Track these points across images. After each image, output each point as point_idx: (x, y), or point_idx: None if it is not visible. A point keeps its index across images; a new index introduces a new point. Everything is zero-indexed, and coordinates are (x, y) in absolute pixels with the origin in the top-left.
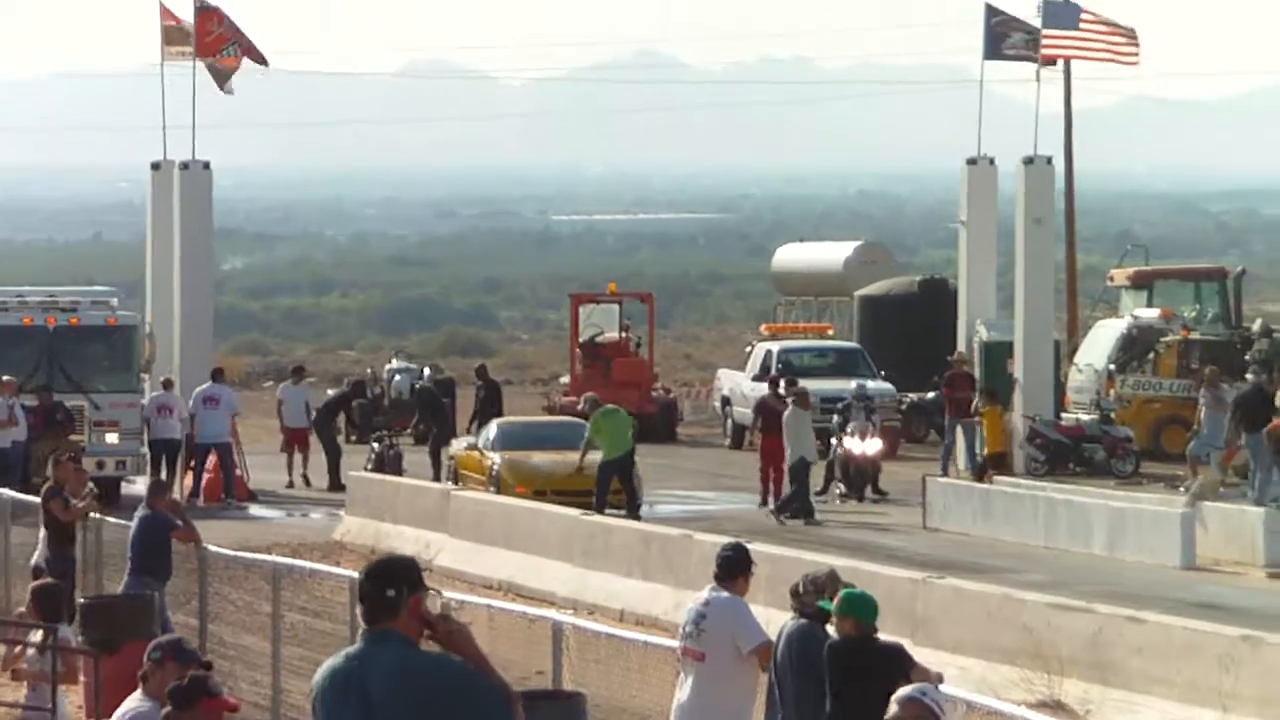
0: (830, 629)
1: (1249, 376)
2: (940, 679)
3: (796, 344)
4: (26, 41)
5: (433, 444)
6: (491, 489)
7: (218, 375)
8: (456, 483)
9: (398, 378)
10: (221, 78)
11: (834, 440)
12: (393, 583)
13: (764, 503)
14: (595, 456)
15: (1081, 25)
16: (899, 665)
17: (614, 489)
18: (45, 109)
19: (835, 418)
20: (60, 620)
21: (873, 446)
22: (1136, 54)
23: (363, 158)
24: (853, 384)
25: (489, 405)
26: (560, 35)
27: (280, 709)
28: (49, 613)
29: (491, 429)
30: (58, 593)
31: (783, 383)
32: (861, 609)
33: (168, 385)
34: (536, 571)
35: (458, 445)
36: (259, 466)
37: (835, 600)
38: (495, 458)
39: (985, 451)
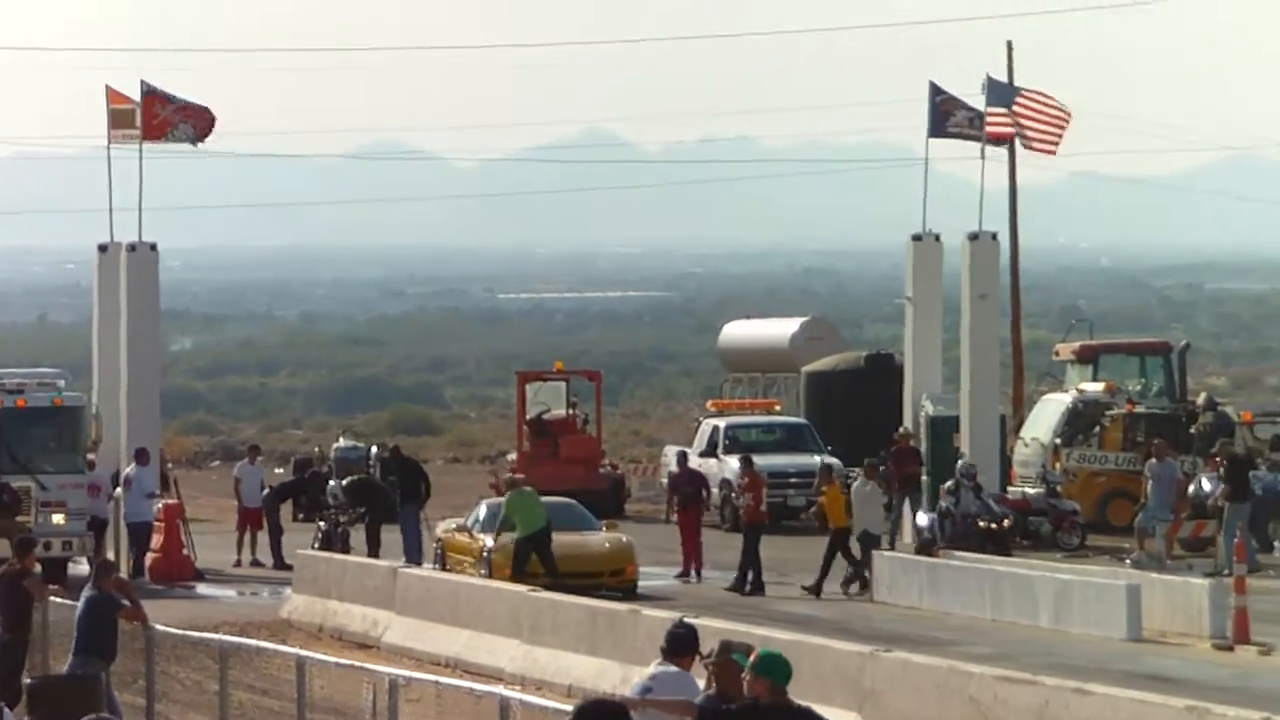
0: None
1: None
2: None
3: (744, 420)
4: None
5: (369, 525)
6: (483, 572)
7: (139, 456)
8: (444, 565)
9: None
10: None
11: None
12: (578, 716)
13: (684, 574)
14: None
15: (1016, 104)
16: None
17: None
18: None
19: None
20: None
21: (1006, 520)
22: (1057, 137)
23: (311, 238)
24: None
25: (410, 485)
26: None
27: None
28: None
29: (481, 509)
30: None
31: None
32: (777, 670)
33: (91, 465)
34: (484, 648)
35: (444, 526)
36: (208, 546)
37: (751, 658)
38: (486, 540)
39: (832, 526)
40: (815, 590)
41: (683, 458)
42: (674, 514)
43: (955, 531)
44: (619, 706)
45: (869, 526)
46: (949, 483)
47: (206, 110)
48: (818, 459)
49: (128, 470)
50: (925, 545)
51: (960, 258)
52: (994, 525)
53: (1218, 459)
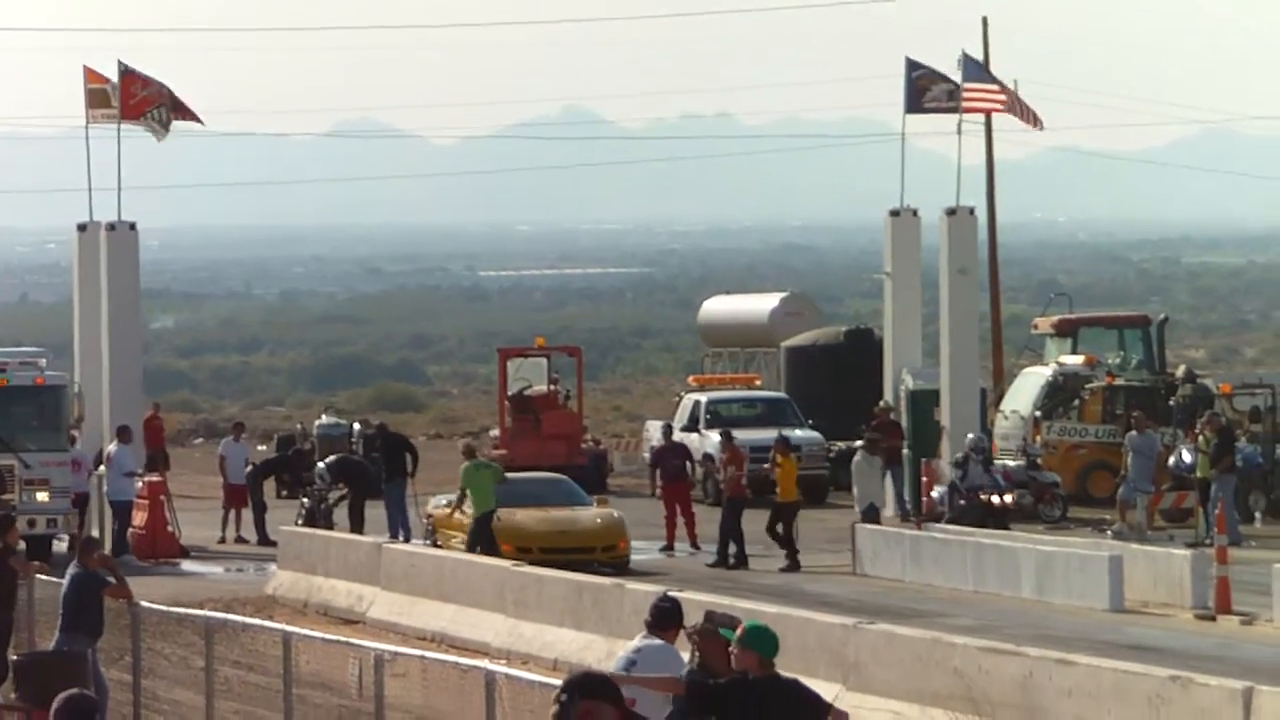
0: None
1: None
2: (845, 715)
3: (724, 395)
4: None
5: (351, 502)
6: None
7: (121, 434)
8: (435, 542)
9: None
10: (158, 132)
11: (936, 492)
12: (567, 689)
13: (668, 547)
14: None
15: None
16: (808, 704)
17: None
18: None
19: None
20: None
21: (1009, 496)
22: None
23: (291, 217)
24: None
25: (396, 461)
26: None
27: None
28: None
29: None
30: None
31: (702, 435)
32: (765, 643)
33: (72, 441)
34: (470, 623)
35: (435, 503)
36: (192, 523)
37: (738, 632)
38: None
39: (779, 500)
40: (793, 566)
41: (667, 430)
42: (658, 488)
43: (960, 505)
44: (607, 678)
45: (873, 500)
46: (958, 455)
47: (186, 106)
48: (797, 433)
49: (110, 448)
50: (937, 517)
51: (938, 233)
52: (997, 499)
53: (1197, 431)
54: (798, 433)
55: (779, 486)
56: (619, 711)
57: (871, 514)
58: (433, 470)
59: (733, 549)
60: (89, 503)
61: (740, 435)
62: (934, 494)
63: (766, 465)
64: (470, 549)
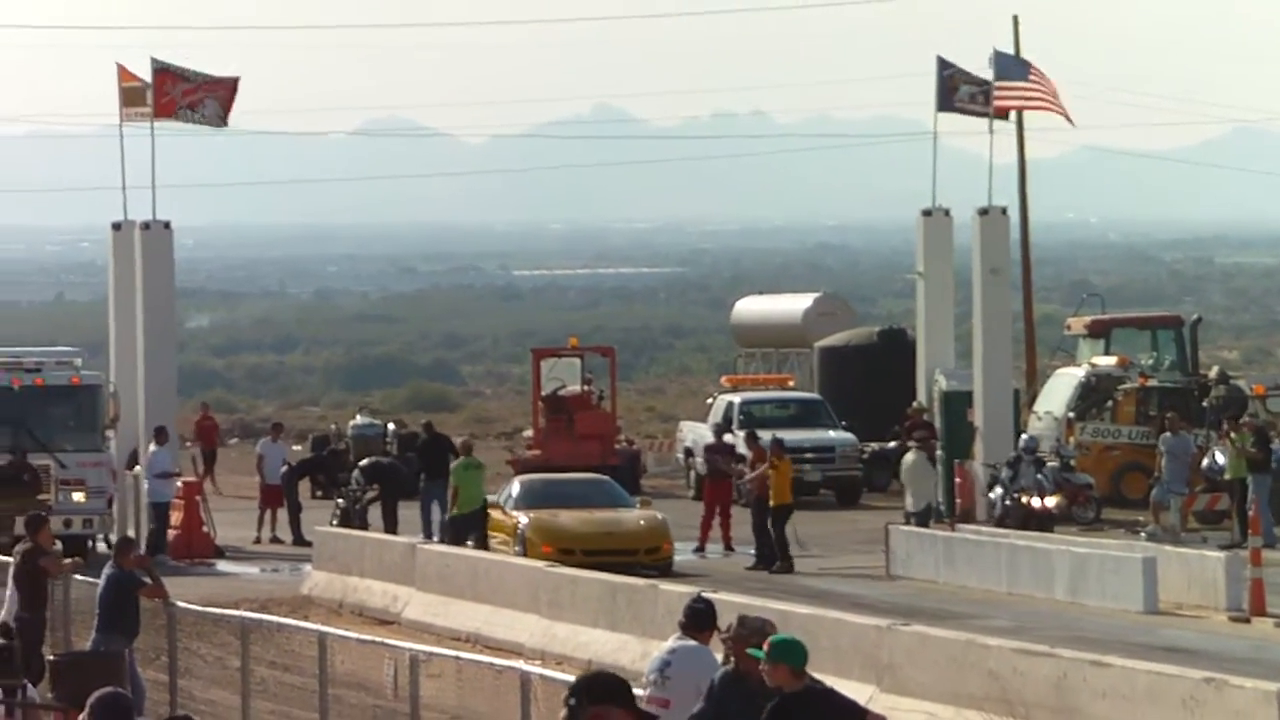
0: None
1: None
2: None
3: (758, 395)
4: None
5: (384, 503)
6: (517, 549)
7: (159, 435)
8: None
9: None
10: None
11: (994, 494)
12: (575, 693)
13: (700, 549)
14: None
15: (1030, 78)
16: (847, 711)
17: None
18: (6, 170)
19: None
20: (18, 679)
21: (1051, 500)
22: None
23: (324, 216)
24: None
25: (434, 459)
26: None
27: None
28: (7, 674)
29: (514, 486)
30: (12, 654)
31: (736, 435)
32: (796, 655)
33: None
34: (504, 623)
35: None
36: (227, 523)
37: (765, 646)
38: (520, 517)
39: (773, 503)
40: (786, 568)
41: (718, 430)
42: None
43: (1006, 508)
44: (617, 681)
45: (929, 500)
46: (1010, 457)
47: (227, 81)
48: (832, 434)
49: (149, 448)
50: (1000, 520)
51: (971, 232)
52: (1038, 502)
53: (1228, 432)
54: (831, 434)
55: (775, 490)
56: (630, 714)
57: (929, 514)
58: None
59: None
60: (112, 504)
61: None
62: (991, 495)
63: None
64: (456, 544)
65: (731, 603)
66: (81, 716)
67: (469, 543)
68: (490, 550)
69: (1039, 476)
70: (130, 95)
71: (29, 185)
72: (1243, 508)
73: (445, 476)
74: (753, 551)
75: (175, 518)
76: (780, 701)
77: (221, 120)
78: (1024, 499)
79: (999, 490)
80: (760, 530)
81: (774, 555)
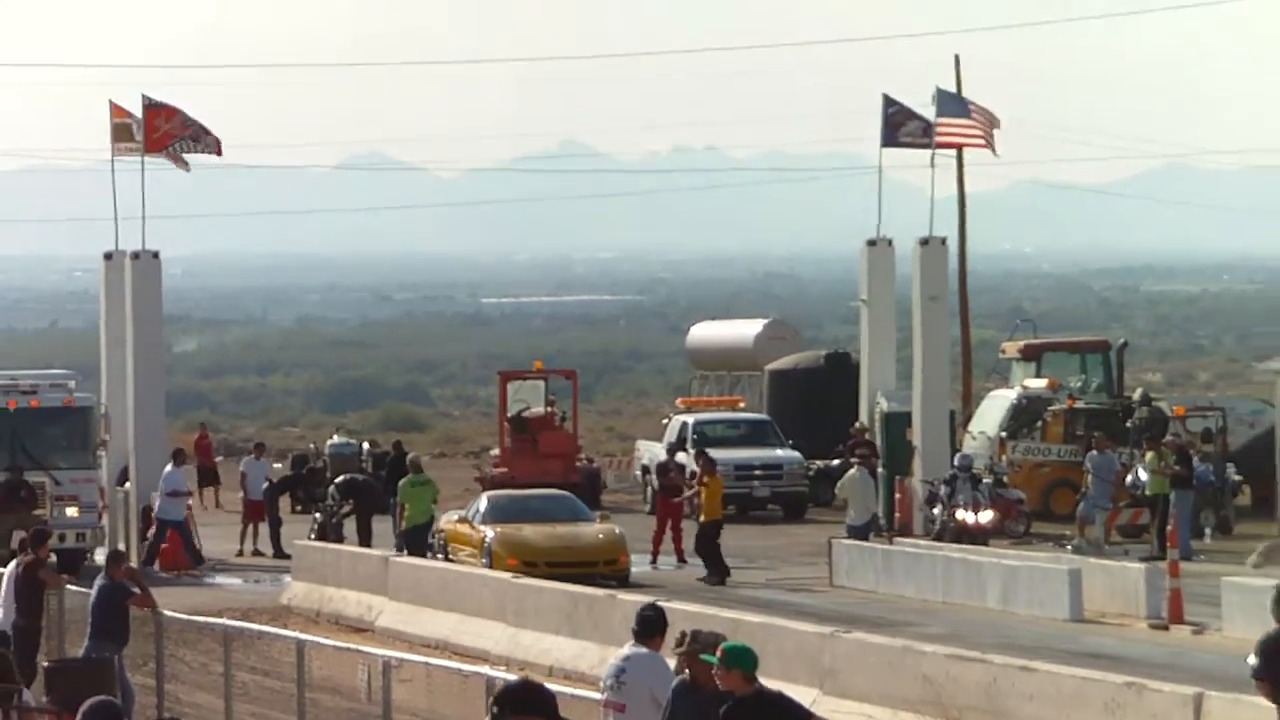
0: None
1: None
2: None
3: (710, 416)
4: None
5: (359, 518)
6: (484, 561)
7: (176, 456)
8: (446, 555)
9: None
10: (179, 162)
11: (936, 510)
12: (498, 702)
13: (654, 561)
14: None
15: (972, 115)
16: (794, 714)
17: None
18: (13, 202)
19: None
20: (15, 685)
21: (985, 516)
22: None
23: (305, 245)
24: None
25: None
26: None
27: None
28: (3, 679)
29: (481, 502)
30: (9, 661)
31: (689, 453)
32: (747, 661)
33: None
34: (472, 631)
35: (446, 518)
36: (211, 536)
37: (719, 654)
38: (487, 531)
39: (702, 519)
40: (719, 579)
41: (670, 449)
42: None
43: (943, 523)
44: (537, 690)
45: (874, 511)
46: (947, 474)
47: (212, 136)
48: (780, 452)
49: (167, 469)
50: (938, 535)
51: (912, 262)
52: (972, 519)
53: (1147, 452)
54: (778, 452)
55: (705, 506)
56: None
57: (872, 525)
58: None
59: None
60: (102, 518)
61: (725, 454)
62: (935, 512)
63: (757, 483)
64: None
65: (684, 611)
66: None
67: (427, 554)
68: (453, 562)
69: (975, 493)
70: (121, 131)
71: (27, 217)
72: (1162, 523)
73: None
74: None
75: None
76: (734, 704)
77: (218, 151)
78: (958, 515)
79: (939, 506)
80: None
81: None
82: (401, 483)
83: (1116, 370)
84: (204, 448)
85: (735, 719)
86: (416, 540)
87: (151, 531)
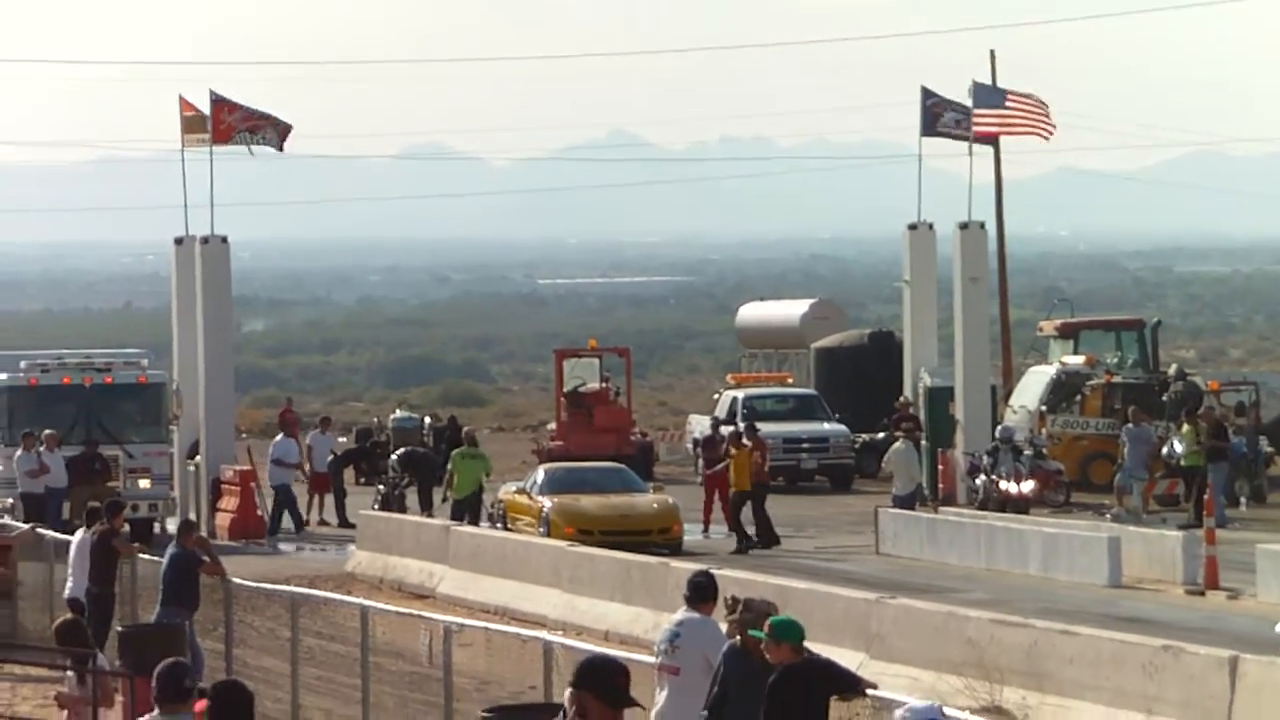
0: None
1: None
2: (874, 685)
3: (759, 391)
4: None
5: (420, 489)
6: (541, 530)
7: (323, 423)
8: (505, 525)
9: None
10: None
11: (979, 480)
12: (576, 671)
13: (705, 531)
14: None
15: (1007, 104)
16: (843, 679)
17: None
18: (80, 191)
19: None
20: (90, 649)
21: (1027, 486)
22: (1052, 126)
23: (366, 231)
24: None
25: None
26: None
27: None
28: (80, 643)
29: (539, 474)
30: (82, 628)
31: (740, 426)
32: (795, 634)
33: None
34: (529, 597)
35: (505, 489)
36: None
37: (766, 628)
38: (545, 501)
39: (733, 490)
40: (747, 547)
41: (714, 424)
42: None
43: (986, 492)
44: (600, 669)
45: (919, 482)
46: (990, 446)
47: (284, 124)
48: (827, 426)
49: (311, 435)
50: (982, 504)
51: (952, 245)
52: (1014, 488)
53: (1185, 422)
54: (826, 426)
55: (735, 476)
56: (601, 703)
57: (916, 496)
58: (497, 460)
59: (752, 532)
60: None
61: (774, 428)
62: (978, 482)
63: (805, 456)
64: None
65: (735, 578)
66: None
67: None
68: (512, 531)
69: (1016, 464)
70: (190, 123)
71: (100, 204)
72: (1199, 494)
73: None
74: (751, 534)
75: (231, 502)
76: (784, 671)
77: (279, 147)
78: (1001, 484)
79: (981, 476)
80: (757, 513)
81: (768, 536)
82: (455, 453)
83: (1151, 347)
84: (290, 421)
85: (783, 686)
86: (459, 511)
87: (270, 502)
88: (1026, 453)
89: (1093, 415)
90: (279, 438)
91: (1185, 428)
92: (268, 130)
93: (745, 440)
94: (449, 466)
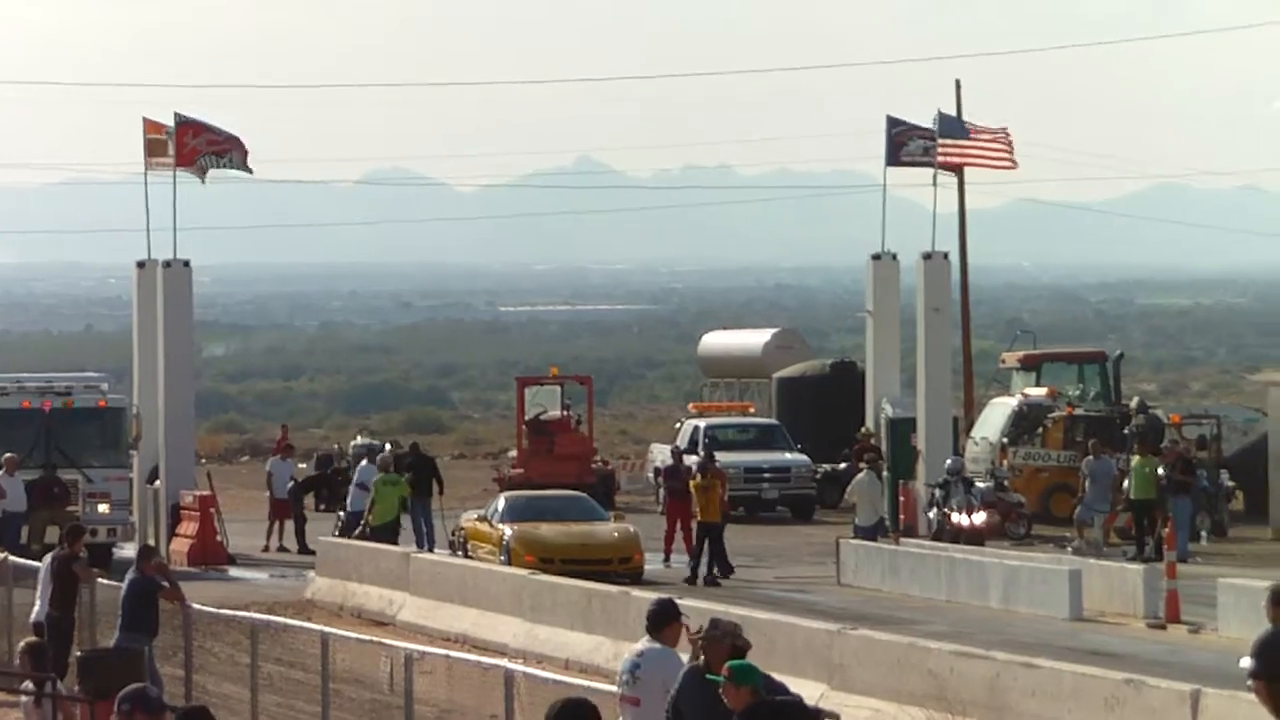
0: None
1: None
2: (836, 716)
3: (721, 421)
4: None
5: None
6: (502, 559)
7: (370, 454)
8: (466, 553)
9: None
10: (200, 174)
11: (932, 514)
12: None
13: (666, 560)
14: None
15: (971, 136)
16: (808, 717)
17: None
18: (42, 214)
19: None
20: (48, 673)
21: (979, 518)
22: (1013, 160)
23: (330, 256)
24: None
25: (424, 478)
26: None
27: None
28: (40, 667)
29: (500, 502)
30: (46, 650)
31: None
32: (755, 677)
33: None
34: (490, 625)
35: (466, 516)
36: (238, 533)
37: (725, 671)
38: (506, 529)
39: (698, 519)
40: (712, 578)
41: (675, 454)
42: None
43: (939, 525)
44: (590, 707)
45: (879, 515)
46: (940, 479)
47: (239, 141)
48: (788, 456)
49: (363, 464)
50: (936, 536)
51: (915, 275)
52: (967, 521)
53: (1137, 453)
54: (787, 456)
55: (703, 508)
56: None
57: (879, 527)
58: (457, 487)
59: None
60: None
61: (735, 457)
62: (930, 515)
63: (766, 485)
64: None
65: (697, 608)
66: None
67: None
68: (472, 559)
69: (968, 496)
70: (154, 146)
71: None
72: (1150, 525)
73: (428, 493)
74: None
75: (191, 527)
76: (750, 713)
77: (245, 168)
78: (952, 516)
79: (934, 510)
80: (709, 546)
81: (724, 566)
82: (375, 479)
83: (1113, 379)
84: (285, 447)
85: None
86: (379, 539)
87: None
88: (981, 484)
89: (1054, 448)
90: (363, 463)
91: (1135, 459)
92: (233, 153)
93: (703, 471)
94: (371, 494)
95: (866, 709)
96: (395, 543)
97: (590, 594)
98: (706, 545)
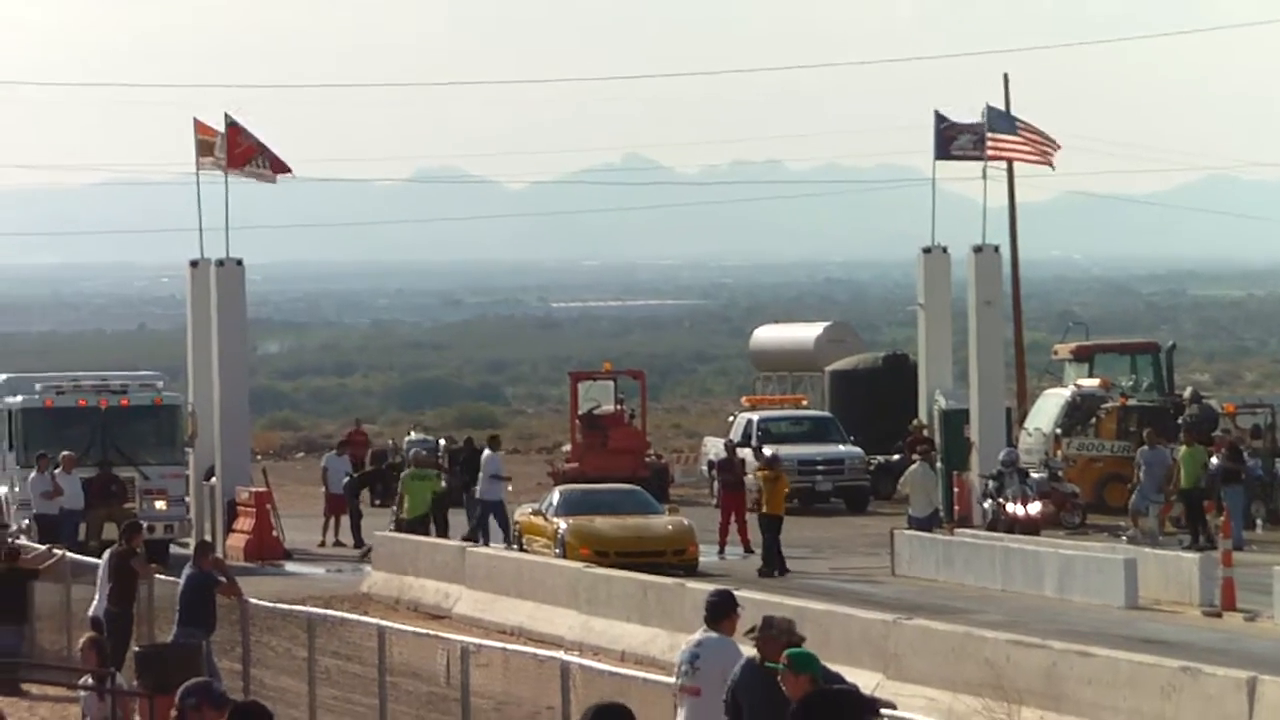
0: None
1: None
2: (893, 705)
3: (774, 414)
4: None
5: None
6: (557, 552)
7: (491, 442)
8: (521, 546)
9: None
10: (263, 176)
11: (987, 504)
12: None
13: (720, 552)
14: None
15: (1019, 131)
16: (868, 704)
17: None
18: (95, 214)
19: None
20: (108, 668)
21: (1034, 508)
22: (1052, 159)
23: (378, 254)
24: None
25: (474, 470)
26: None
27: None
28: (100, 663)
29: (555, 495)
30: (105, 645)
31: (754, 450)
32: (814, 665)
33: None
34: (546, 618)
35: (521, 510)
36: (294, 528)
37: (783, 659)
38: (560, 523)
39: (764, 511)
40: (767, 573)
41: (729, 447)
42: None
43: (994, 515)
44: (626, 710)
45: (934, 506)
46: (994, 471)
47: (279, 159)
48: (842, 448)
49: (485, 454)
50: (991, 526)
51: (966, 268)
52: (1022, 511)
53: (1185, 442)
54: (841, 448)
55: (768, 501)
56: None
57: (933, 518)
58: (514, 481)
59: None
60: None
61: (789, 450)
62: (985, 506)
63: (820, 478)
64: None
65: (753, 599)
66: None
67: None
68: (527, 552)
69: (1023, 486)
70: (205, 147)
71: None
72: (1199, 514)
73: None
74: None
75: (247, 523)
76: (808, 700)
77: (270, 179)
78: (1007, 507)
79: (989, 500)
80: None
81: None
82: (404, 474)
83: (1166, 370)
84: (359, 442)
85: (809, 717)
86: (414, 531)
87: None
88: (1039, 475)
89: (1108, 438)
90: (487, 452)
91: (1183, 449)
92: (260, 158)
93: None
94: (399, 488)
95: (922, 698)
96: (426, 535)
97: (645, 586)
98: (771, 537)
